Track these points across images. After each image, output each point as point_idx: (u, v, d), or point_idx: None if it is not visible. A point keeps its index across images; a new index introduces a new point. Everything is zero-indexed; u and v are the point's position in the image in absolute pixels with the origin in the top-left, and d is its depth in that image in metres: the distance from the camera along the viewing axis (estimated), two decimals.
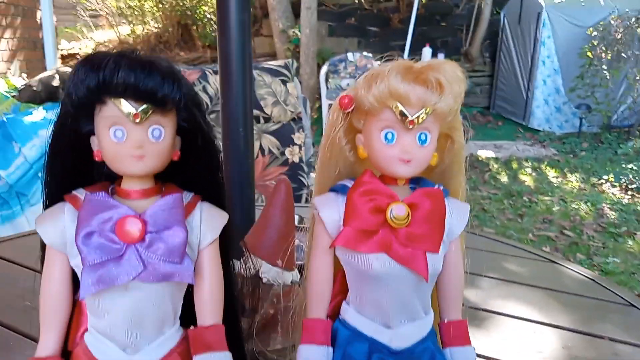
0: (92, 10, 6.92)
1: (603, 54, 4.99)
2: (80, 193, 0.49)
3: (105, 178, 0.52)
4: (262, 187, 2.50)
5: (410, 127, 0.48)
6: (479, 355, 0.89)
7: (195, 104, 0.50)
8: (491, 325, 1.01)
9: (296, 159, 2.53)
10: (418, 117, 0.48)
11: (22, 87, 2.59)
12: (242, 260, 0.91)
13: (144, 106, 0.46)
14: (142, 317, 0.48)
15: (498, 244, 1.43)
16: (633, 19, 4.90)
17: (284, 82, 2.49)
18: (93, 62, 0.45)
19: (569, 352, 0.92)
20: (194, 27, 6.87)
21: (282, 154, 2.49)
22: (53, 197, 0.50)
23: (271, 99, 2.46)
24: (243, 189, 1.15)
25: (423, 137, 0.50)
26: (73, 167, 0.51)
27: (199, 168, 0.52)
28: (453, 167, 0.56)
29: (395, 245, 0.50)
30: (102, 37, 7.20)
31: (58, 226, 0.48)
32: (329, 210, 0.52)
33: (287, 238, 0.84)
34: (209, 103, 2.35)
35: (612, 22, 5.05)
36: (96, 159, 0.48)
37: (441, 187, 0.53)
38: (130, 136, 0.46)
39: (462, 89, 0.49)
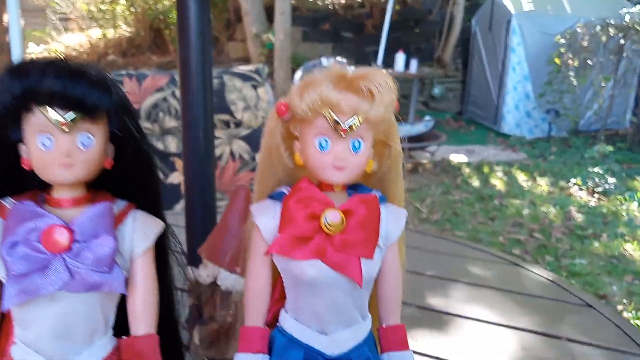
0: (62, 13, 6.80)
1: (570, 61, 5.11)
2: (8, 202, 0.48)
3: (39, 187, 0.51)
4: (232, 193, 2.49)
5: (343, 134, 0.49)
6: (437, 358, 0.90)
7: (128, 112, 0.49)
8: (452, 329, 1.03)
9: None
10: (351, 125, 0.49)
11: None
12: (199, 267, 0.90)
13: (72, 114, 0.45)
14: (69, 327, 0.47)
15: (466, 248, 1.45)
16: (598, 27, 5.03)
17: (255, 87, 2.48)
18: (19, 70, 0.45)
19: (528, 354, 0.94)
20: (166, 31, 6.81)
21: (253, 159, 2.48)
22: None
23: (242, 104, 2.45)
24: (204, 194, 1.14)
25: (356, 144, 0.50)
26: (2, 176, 0.50)
27: (133, 176, 0.52)
28: (391, 173, 0.56)
29: (329, 252, 0.50)
30: (72, 41, 7.08)
31: None
32: (266, 218, 0.52)
33: (245, 245, 0.84)
34: (177, 108, 2.33)
35: (578, 30, 5.17)
36: (25, 167, 0.47)
37: (378, 194, 0.53)
38: (58, 144, 0.46)
39: (393, 98, 0.50)
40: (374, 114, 0.49)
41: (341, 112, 0.48)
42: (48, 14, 6.80)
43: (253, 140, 2.48)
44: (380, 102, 0.48)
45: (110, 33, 6.95)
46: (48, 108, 0.45)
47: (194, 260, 0.91)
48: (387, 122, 0.51)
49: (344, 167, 0.50)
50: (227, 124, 2.44)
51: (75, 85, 0.44)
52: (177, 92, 2.32)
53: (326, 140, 0.50)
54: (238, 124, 2.46)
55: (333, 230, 0.49)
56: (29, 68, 0.44)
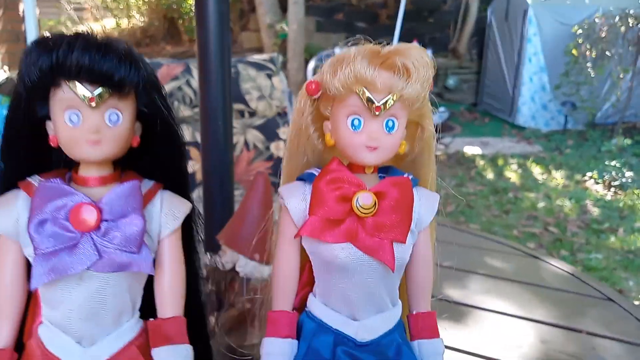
0: (77, 3, 6.82)
1: (588, 52, 5.02)
2: (35, 180, 0.47)
3: (65, 165, 0.50)
4: (247, 182, 2.48)
5: (377, 113, 0.47)
6: (459, 350, 0.89)
7: (156, 88, 0.48)
8: (472, 320, 1.01)
9: (281, 154, 2.51)
10: (385, 103, 0.47)
11: (3, 80, 2.54)
12: (219, 254, 0.89)
13: (100, 89, 0.44)
14: (97, 308, 0.46)
15: (482, 240, 1.44)
16: (617, 18, 4.93)
17: (269, 76, 2.47)
18: (46, 44, 0.43)
19: (547, 347, 0.93)
20: (180, 21, 6.81)
21: (267, 148, 2.47)
22: (9, 184, 0.49)
23: (256, 93, 2.44)
24: (222, 182, 1.13)
25: (390, 123, 0.48)
26: (30, 154, 0.49)
27: (161, 155, 0.51)
28: (423, 155, 0.55)
29: (361, 235, 0.48)
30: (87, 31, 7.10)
31: (11, 214, 0.46)
32: (295, 199, 0.51)
33: (265, 232, 0.83)
34: (192, 97, 2.32)
35: (596, 20, 5.08)
36: (52, 144, 0.47)
37: (410, 176, 0.52)
38: (86, 120, 0.45)
39: (429, 75, 0.48)
40: (409, 92, 0.47)
41: (375, 90, 0.47)
42: (63, 4, 6.82)
43: (267, 129, 2.47)
44: (417, 79, 0.47)
45: (124, 23, 6.97)
46: (77, 83, 0.43)
47: (213, 247, 0.91)
48: (422, 101, 0.50)
49: (377, 148, 0.48)
50: (241, 114, 2.43)
51: (104, 60, 0.43)
52: (192, 81, 2.31)
53: (359, 120, 0.48)
54: (252, 114, 2.45)
55: (365, 213, 0.48)
56: (56, 42, 0.43)
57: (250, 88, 2.41)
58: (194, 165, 2.24)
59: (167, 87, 2.28)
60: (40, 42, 0.44)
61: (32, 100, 0.46)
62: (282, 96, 2.51)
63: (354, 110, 0.48)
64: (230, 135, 1.12)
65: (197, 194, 1.50)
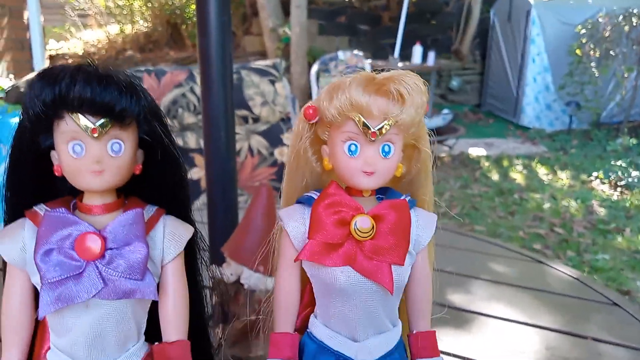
0: (80, 9, 6.86)
1: (592, 52, 5.01)
2: (41, 209, 0.48)
3: (70, 192, 0.51)
4: (252, 189, 2.49)
5: (373, 139, 0.48)
6: (462, 357, 0.90)
7: (157, 117, 0.49)
8: (475, 327, 1.02)
9: (285, 160, 2.52)
10: (380, 129, 0.48)
11: (9, 88, 2.56)
12: (223, 266, 0.90)
13: (102, 120, 0.45)
14: (104, 334, 0.47)
15: (486, 244, 1.44)
16: (620, 17, 4.91)
17: (273, 82, 2.48)
18: (49, 77, 0.45)
19: (552, 353, 0.93)
20: (184, 27, 6.84)
21: (271, 154, 2.48)
22: (14, 212, 0.50)
23: (260, 99, 2.45)
24: (225, 191, 1.14)
25: (387, 148, 0.49)
26: (34, 182, 0.50)
27: (163, 181, 0.52)
28: (420, 176, 0.56)
29: (360, 258, 0.49)
30: (91, 37, 7.15)
31: (17, 243, 0.47)
32: (295, 223, 0.52)
33: (269, 243, 0.84)
34: (196, 104, 2.34)
35: (600, 19, 5.06)
36: (56, 173, 0.48)
37: (407, 198, 0.53)
38: (89, 151, 0.46)
39: (423, 100, 0.49)
40: (404, 118, 0.48)
41: (371, 116, 0.48)
42: (67, 11, 6.87)
43: (271, 135, 2.48)
44: (411, 104, 0.48)
45: (128, 29, 7.00)
46: (79, 115, 0.45)
47: (217, 258, 0.92)
48: (418, 125, 0.50)
49: (373, 172, 0.49)
50: (245, 120, 2.44)
51: (105, 91, 0.44)
52: (196, 88, 2.32)
53: (355, 145, 0.49)
54: (256, 119, 2.46)
55: (363, 236, 0.49)
56: (58, 75, 0.44)
57: (253, 94, 2.43)
58: (199, 172, 2.26)
59: (171, 94, 2.29)
60: (44, 74, 0.45)
61: (36, 132, 0.47)
62: (286, 102, 2.52)
63: (351, 136, 0.49)
64: (232, 143, 1.13)
65: (202, 201, 1.51)
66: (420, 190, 0.56)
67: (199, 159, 2.32)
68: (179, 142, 2.28)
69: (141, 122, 0.48)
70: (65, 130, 0.46)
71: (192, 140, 2.36)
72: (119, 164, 0.47)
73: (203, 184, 1.65)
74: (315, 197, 0.52)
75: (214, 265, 0.91)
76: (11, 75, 4.61)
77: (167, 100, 2.28)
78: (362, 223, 0.49)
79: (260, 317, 0.85)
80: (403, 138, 0.51)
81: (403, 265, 0.50)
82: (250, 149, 2.49)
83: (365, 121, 0.48)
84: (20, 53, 4.93)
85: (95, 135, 0.45)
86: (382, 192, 0.54)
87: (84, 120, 0.45)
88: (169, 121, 0.51)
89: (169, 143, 0.50)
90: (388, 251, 0.49)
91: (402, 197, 0.52)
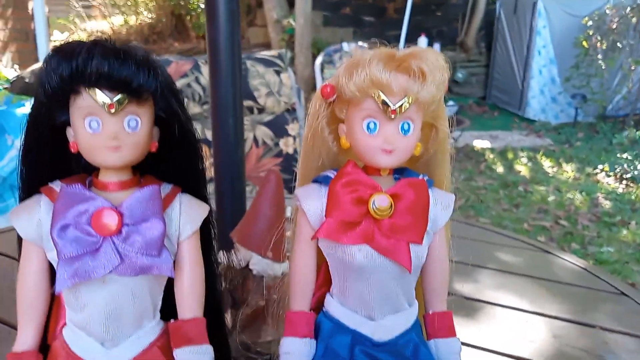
0: (85, 0, 6.85)
1: (598, 44, 4.97)
2: (57, 185, 0.48)
3: (83, 170, 0.51)
4: (257, 179, 2.49)
5: (393, 116, 0.47)
6: (470, 345, 0.90)
7: (173, 93, 0.49)
8: (483, 316, 1.01)
9: (290, 150, 2.51)
10: (400, 106, 0.47)
11: (14, 78, 2.56)
12: (232, 252, 0.90)
13: (119, 96, 0.45)
14: (120, 310, 0.47)
15: (493, 234, 1.44)
16: (628, 9, 4.88)
17: (278, 73, 2.47)
18: (66, 51, 0.44)
19: (559, 341, 0.93)
20: (188, 18, 6.81)
21: (277, 145, 2.48)
22: (29, 190, 0.49)
23: (265, 89, 2.44)
24: (233, 179, 1.14)
25: (406, 126, 0.49)
26: (49, 159, 0.50)
27: (178, 159, 0.51)
28: (437, 156, 0.55)
29: (377, 237, 0.49)
30: (95, 28, 7.14)
31: (33, 219, 0.47)
32: (312, 202, 0.51)
33: (277, 229, 0.84)
34: (201, 94, 2.33)
35: (607, 11, 5.02)
36: (72, 150, 0.47)
37: (425, 178, 0.52)
38: (105, 127, 0.45)
39: (444, 77, 0.48)
40: (424, 95, 0.47)
41: (391, 93, 0.47)
42: (71, 2, 6.85)
43: (276, 126, 2.47)
44: (432, 82, 0.47)
45: (132, 20, 6.98)
46: (96, 90, 0.44)
47: (226, 245, 0.92)
48: (438, 103, 0.50)
49: (392, 151, 0.49)
50: (250, 110, 2.43)
51: (122, 66, 0.44)
52: (201, 78, 2.32)
53: (375, 123, 0.48)
54: (261, 110, 2.46)
55: (381, 214, 0.48)
56: (75, 49, 0.44)
57: (258, 84, 2.42)
58: (205, 162, 2.26)
59: (176, 85, 2.30)
60: (60, 49, 0.45)
61: (52, 107, 0.46)
62: (291, 92, 2.51)
63: (370, 113, 0.48)
64: (241, 132, 1.13)
65: (210, 190, 1.51)
66: (437, 171, 0.55)
67: (205, 149, 2.32)
68: None
69: (158, 98, 0.47)
70: (82, 106, 0.45)
71: (197, 130, 2.36)
72: (135, 141, 0.46)
73: (208, 173, 1.65)
74: (332, 176, 0.51)
75: (223, 251, 0.91)
76: (16, 66, 4.61)
77: None
78: (380, 201, 0.48)
79: (270, 302, 0.85)
80: (422, 116, 0.50)
81: (421, 244, 0.50)
82: (255, 140, 2.48)
83: (385, 98, 0.47)
84: (25, 44, 4.92)
85: (112, 111, 0.45)
86: (399, 172, 0.54)
87: (100, 96, 0.44)
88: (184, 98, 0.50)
89: (185, 120, 0.50)
90: (406, 230, 0.49)
91: (420, 177, 0.52)
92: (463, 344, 0.90)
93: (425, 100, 0.48)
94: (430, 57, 0.47)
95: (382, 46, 0.49)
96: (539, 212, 3.24)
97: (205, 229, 0.53)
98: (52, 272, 0.48)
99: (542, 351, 0.90)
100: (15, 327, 0.48)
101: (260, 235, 0.87)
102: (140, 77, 0.44)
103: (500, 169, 4.09)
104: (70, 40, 0.46)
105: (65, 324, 0.49)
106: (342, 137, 0.51)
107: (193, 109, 2.36)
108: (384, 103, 0.47)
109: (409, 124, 0.49)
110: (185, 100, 2.35)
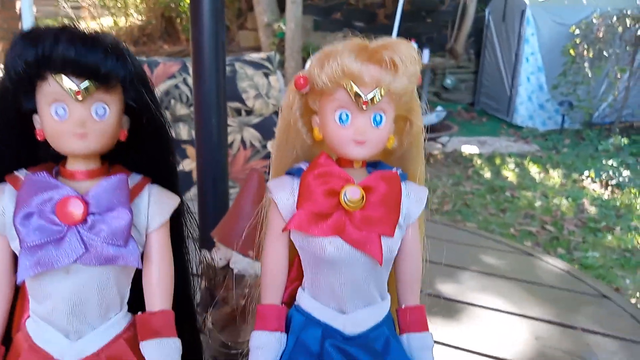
0: (74, 1, 6.81)
1: (585, 52, 5.03)
2: (22, 173, 0.47)
3: (52, 160, 0.50)
4: (244, 181, 2.48)
5: (364, 107, 0.47)
6: (453, 347, 0.89)
7: (143, 82, 0.48)
8: (466, 317, 1.01)
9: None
10: (372, 97, 0.47)
11: (1, 78, 2.53)
12: (212, 250, 0.89)
13: (87, 83, 0.44)
14: (85, 301, 0.46)
15: (478, 238, 1.44)
16: (614, 18, 4.94)
17: (266, 75, 2.47)
18: (32, 37, 0.43)
19: (542, 343, 0.93)
20: (178, 20, 6.80)
21: (264, 147, 2.47)
22: None
23: (253, 91, 2.44)
24: (216, 180, 1.13)
25: (378, 118, 0.48)
26: (16, 148, 0.49)
27: (149, 149, 0.50)
28: (412, 150, 0.55)
29: (349, 229, 0.48)
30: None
31: None
32: (283, 194, 0.51)
33: (255, 227, 0.83)
34: (189, 95, 2.32)
35: (594, 20, 5.08)
36: (38, 138, 0.47)
37: (399, 171, 0.52)
38: (72, 114, 0.45)
39: (416, 70, 0.48)
40: (396, 86, 0.47)
41: (363, 84, 0.47)
42: (60, 2, 6.81)
43: (264, 128, 2.46)
44: (404, 73, 0.47)
45: (122, 22, 6.95)
46: (63, 76, 0.43)
47: (207, 244, 0.91)
48: (410, 95, 0.50)
49: (364, 142, 0.48)
50: (238, 112, 2.43)
51: (90, 53, 0.43)
52: (189, 80, 2.30)
53: (347, 114, 0.48)
54: (249, 112, 2.45)
55: (353, 206, 0.48)
56: (41, 35, 0.43)
57: (247, 86, 2.41)
58: (191, 164, 2.24)
59: (164, 86, 2.28)
60: (26, 34, 0.44)
61: (18, 94, 0.45)
62: (279, 95, 2.51)
63: (342, 104, 0.48)
64: (224, 132, 1.12)
65: (194, 192, 1.50)
66: (411, 165, 0.55)
67: (191, 151, 2.30)
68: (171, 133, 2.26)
69: (127, 87, 0.47)
70: (48, 92, 0.44)
71: (184, 131, 2.34)
72: (103, 128, 0.46)
73: (195, 175, 1.64)
74: (305, 167, 0.51)
75: (203, 250, 0.90)
76: (2, 66, 4.56)
77: (159, 92, 2.26)
78: (351, 193, 0.48)
79: (249, 301, 0.84)
80: (395, 108, 0.50)
81: (392, 236, 0.49)
82: (242, 142, 2.47)
83: (357, 89, 0.47)
84: None
85: (80, 97, 0.44)
86: (373, 166, 0.53)
87: (67, 82, 0.44)
88: (155, 88, 0.50)
89: (155, 110, 0.49)
90: (378, 222, 0.48)
91: (393, 170, 0.51)
92: (446, 344, 0.90)
93: (397, 92, 0.48)
94: (402, 48, 0.47)
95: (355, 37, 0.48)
96: (525, 217, 3.26)
97: (176, 221, 0.52)
98: (15, 263, 0.47)
99: (524, 352, 0.90)
100: None
101: (241, 234, 0.86)
102: (108, 64, 0.44)
103: (487, 174, 4.11)
104: (37, 27, 0.45)
105: (29, 316, 0.47)
106: (315, 128, 0.51)
107: (180, 110, 2.34)
108: (356, 94, 0.47)
109: (381, 116, 0.48)
110: (173, 101, 2.34)
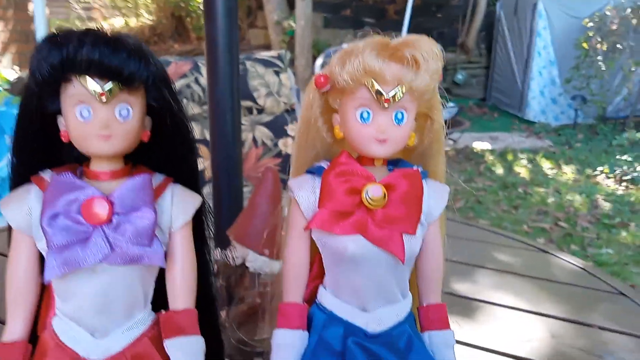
0: (85, 2, 6.86)
1: (598, 45, 4.97)
2: (47, 174, 0.48)
3: (75, 160, 0.50)
4: (256, 179, 2.48)
5: (386, 105, 0.47)
6: (469, 345, 0.89)
7: (165, 83, 0.48)
8: (482, 315, 1.01)
9: (289, 151, 2.51)
10: (394, 95, 0.47)
11: (14, 80, 2.56)
12: (229, 249, 0.90)
13: (110, 84, 0.44)
14: (111, 300, 0.46)
15: (492, 235, 1.43)
16: (628, 10, 4.88)
17: (277, 73, 2.47)
18: (57, 40, 0.44)
19: (557, 341, 0.92)
20: (188, 19, 6.83)
21: (276, 145, 2.47)
22: (20, 180, 0.49)
23: (264, 90, 2.44)
24: (230, 177, 1.13)
25: (399, 116, 0.48)
26: (41, 149, 0.49)
27: (171, 149, 0.51)
28: (432, 147, 0.55)
29: (371, 227, 0.48)
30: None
31: (23, 208, 0.47)
32: (305, 192, 0.51)
33: (274, 227, 0.83)
34: (201, 94, 2.33)
35: (607, 13, 5.02)
36: (63, 139, 0.47)
37: (419, 169, 0.52)
38: (96, 115, 0.45)
39: (438, 66, 0.48)
40: (418, 84, 0.47)
41: (384, 82, 0.47)
42: (72, 3, 6.87)
43: (276, 126, 2.47)
44: (426, 70, 0.46)
45: (133, 22, 7.00)
46: (87, 78, 0.44)
47: (223, 242, 0.91)
48: (431, 92, 0.49)
49: (386, 140, 0.48)
50: (249, 110, 2.43)
51: (113, 55, 0.44)
52: (201, 79, 2.31)
53: (368, 112, 0.48)
54: (260, 110, 2.46)
55: (374, 205, 0.48)
56: (66, 37, 0.44)
57: (258, 85, 2.42)
58: (203, 163, 2.26)
59: (176, 85, 2.29)
60: (51, 37, 0.44)
61: (43, 96, 0.46)
62: (290, 93, 2.51)
63: (363, 102, 0.48)
64: (238, 131, 1.13)
65: (207, 190, 1.51)
66: (432, 162, 0.55)
67: (204, 150, 2.31)
68: None
69: (150, 87, 0.47)
70: (73, 94, 0.45)
71: (196, 130, 2.35)
72: (127, 129, 0.46)
73: (207, 174, 1.65)
74: (326, 166, 0.51)
75: (219, 249, 0.91)
76: (16, 67, 4.61)
77: None
78: (373, 191, 0.48)
79: (266, 299, 0.84)
80: (416, 106, 0.50)
81: (414, 234, 0.49)
82: (254, 140, 2.48)
83: (378, 87, 0.47)
84: (25, 45, 4.93)
85: (104, 99, 0.44)
86: (394, 163, 0.53)
87: (91, 84, 0.44)
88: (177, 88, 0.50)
89: (177, 110, 0.49)
90: (399, 220, 0.48)
91: (414, 168, 0.51)
92: (461, 343, 0.89)
93: (419, 89, 0.47)
94: (424, 45, 0.46)
95: (376, 35, 0.48)
96: (538, 213, 3.23)
97: (197, 220, 0.52)
98: (42, 262, 0.48)
99: (540, 351, 0.89)
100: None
101: (256, 233, 0.87)
102: (131, 66, 0.44)
103: (500, 170, 4.08)
104: (61, 29, 0.45)
105: (55, 314, 0.48)
106: (336, 127, 0.51)
107: (193, 109, 2.36)
108: (378, 92, 0.47)
109: (402, 114, 0.48)
110: (185, 100, 2.35)
